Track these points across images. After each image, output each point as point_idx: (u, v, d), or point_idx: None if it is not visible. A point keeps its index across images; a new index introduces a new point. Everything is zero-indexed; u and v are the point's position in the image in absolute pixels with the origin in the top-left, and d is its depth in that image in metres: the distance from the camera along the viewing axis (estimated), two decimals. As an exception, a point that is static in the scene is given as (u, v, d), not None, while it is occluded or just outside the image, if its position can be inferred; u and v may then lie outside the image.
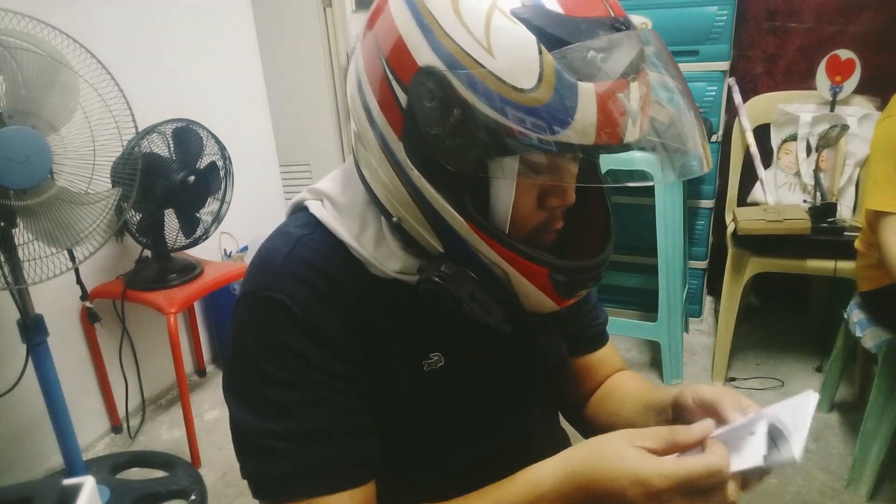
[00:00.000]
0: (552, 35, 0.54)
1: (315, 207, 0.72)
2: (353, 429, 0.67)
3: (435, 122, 0.57)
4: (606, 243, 0.70)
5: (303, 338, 0.65)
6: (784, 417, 0.55)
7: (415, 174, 0.61)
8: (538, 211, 0.65)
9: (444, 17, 0.56)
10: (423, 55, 0.57)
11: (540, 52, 0.53)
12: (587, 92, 0.53)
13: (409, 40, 0.58)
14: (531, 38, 0.53)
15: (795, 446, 0.53)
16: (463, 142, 0.57)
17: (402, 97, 0.59)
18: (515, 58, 0.54)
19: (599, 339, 0.92)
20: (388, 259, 0.68)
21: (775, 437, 0.55)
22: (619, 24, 0.56)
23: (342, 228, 0.69)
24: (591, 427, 0.90)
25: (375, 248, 0.68)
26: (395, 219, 0.66)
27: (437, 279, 0.63)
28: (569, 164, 0.64)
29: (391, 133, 0.61)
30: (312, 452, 0.65)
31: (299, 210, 0.75)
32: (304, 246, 0.68)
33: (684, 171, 0.64)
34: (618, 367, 0.93)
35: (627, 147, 0.57)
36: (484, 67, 0.54)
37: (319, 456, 0.65)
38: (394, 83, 0.59)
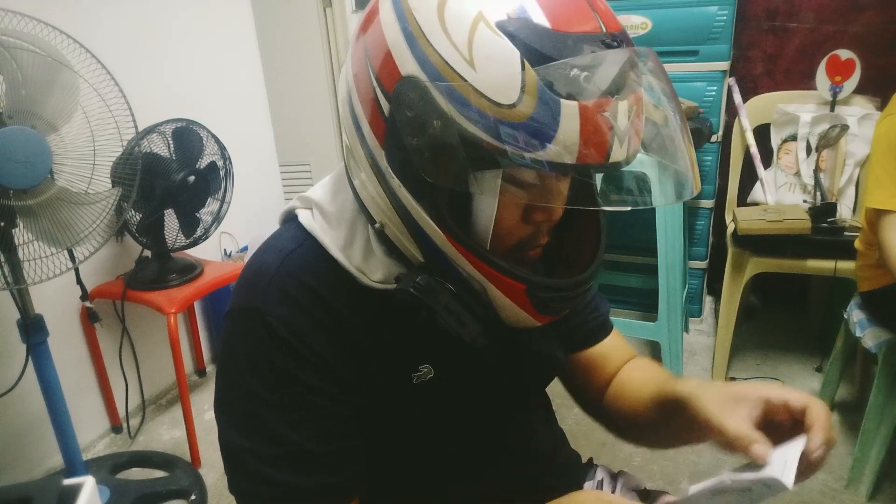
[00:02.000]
0: (537, 50, 0.52)
1: (305, 217, 0.71)
2: (339, 451, 0.67)
3: (415, 132, 0.56)
4: (594, 262, 0.69)
5: (289, 358, 0.64)
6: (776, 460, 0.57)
7: (395, 183, 0.60)
8: (523, 225, 0.64)
9: (428, 26, 0.55)
10: (407, 64, 0.56)
11: (523, 68, 0.52)
12: (570, 110, 0.52)
13: (394, 48, 0.57)
14: (514, 53, 0.52)
15: (787, 478, 0.54)
16: (442, 154, 0.56)
17: (385, 105, 0.58)
18: (497, 72, 0.52)
19: (601, 330, 0.91)
20: (376, 270, 0.67)
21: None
22: (611, 41, 0.55)
23: (330, 240, 0.68)
24: (613, 419, 0.89)
25: (363, 260, 0.67)
26: (377, 225, 0.66)
27: (411, 290, 0.63)
28: (554, 181, 0.62)
29: (374, 141, 0.61)
30: (297, 477, 0.65)
31: (291, 219, 0.74)
32: (292, 261, 0.67)
33: (672, 195, 0.63)
34: (627, 355, 0.92)
35: (615, 166, 0.56)
36: (465, 80, 0.53)
37: (304, 481, 0.65)
38: (378, 91, 0.59)
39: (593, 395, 0.91)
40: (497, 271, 0.61)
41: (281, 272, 0.67)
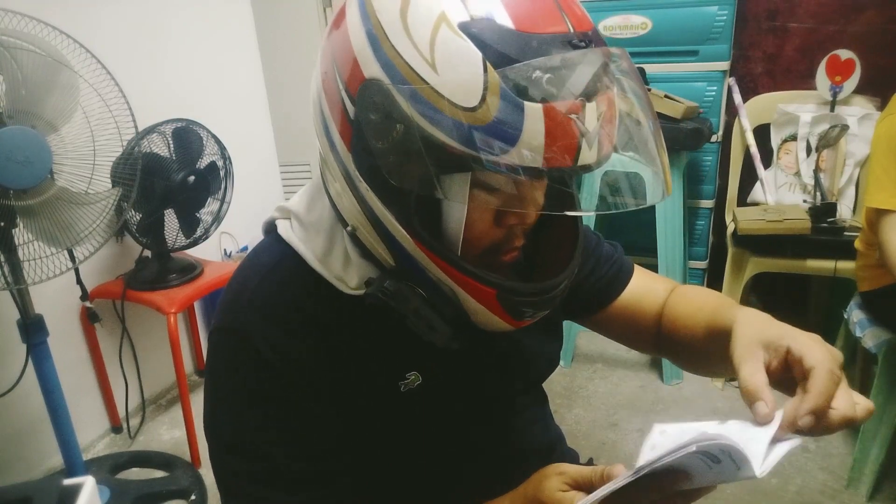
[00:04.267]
0: (499, 52, 0.51)
1: (283, 229, 0.70)
2: (326, 467, 0.67)
3: (379, 136, 0.56)
4: (570, 266, 0.67)
5: (273, 377, 0.64)
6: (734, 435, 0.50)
7: (363, 186, 0.60)
8: (495, 229, 0.63)
9: (391, 28, 0.54)
10: (369, 66, 0.55)
11: (485, 70, 0.51)
12: (534, 112, 0.51)
13: (357, 50, 0.56)
14: (476, 55, 0.51)
15: (756, 462, 0.49)
16: (406, 158, 0.55)
17: (351, 108, 0.58)
18: (459, 74, 0.51)
19: (619, 278, 0.88)
20: (354, 277, 0.66)
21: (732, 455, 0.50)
22: (579, 41, 0.53)
23: (308, 251, 0.67)
24: (675, 353, 0.85)
25: (343, 269, 0.66)
26: (349, 228, 0.65)
27: (379, 294, 0.62)
28: (525, 184, 0.60)
29: (342, 144, 0.60)
30: (285, 494, 0.65)
31: (272, 230, 0.73)
32: (272, 277, 0.67)
33: (643, 198, 0.62)
34: (665, 288, 0.88)
35: (584, 169, 0.55)
36: (427, 83, 0.52)
37: (292, 498, 0.65)
38: (343, 93, 0.58)
39: (644, 337, 0.88)
40: (466, 276, 0.60)
41: (261, 290, 0.66)
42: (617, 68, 0.57)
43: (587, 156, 0.54)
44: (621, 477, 0.53)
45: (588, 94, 0.53)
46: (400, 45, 0.54)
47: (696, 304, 0.80)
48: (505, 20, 0.52)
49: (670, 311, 0.84)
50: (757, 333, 0.58)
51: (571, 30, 0.54)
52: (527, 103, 0.51)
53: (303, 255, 0.67)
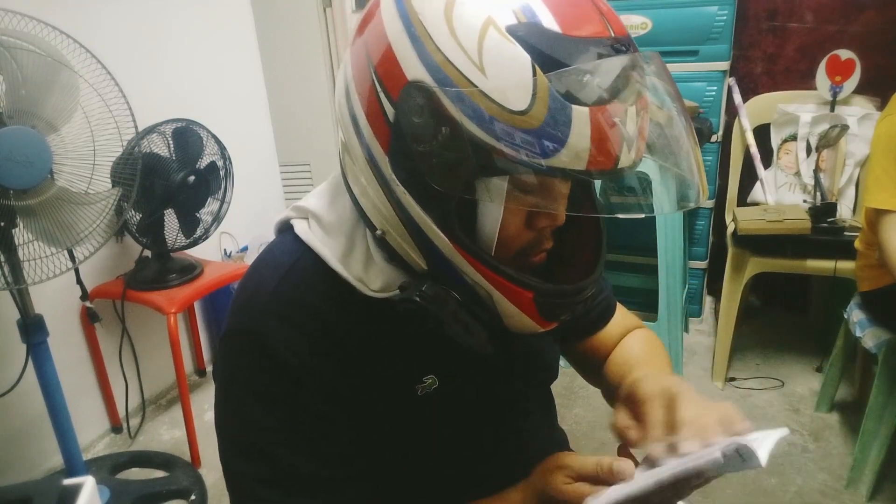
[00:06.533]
0: (548, 56, 0.51)
1: (301, 229, 0.69)
2: (340, 473, 0.67)
3: (422, 139, 0.55)
4: (597, 263, 0.68)
5: (289, 381, 0.63)
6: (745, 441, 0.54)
7: (399, 190, 0.59)
8: (526, 231, 0.63)
9: (435, 29, 0.54)
10: (413, 68, 0.55)
11: (534, 74, 0.51)
12: (581, 116, 0.51)
13: (398, 51, 0.56)
14: (526, 59, 0.51)
15: (761, 453, 0.52)
16: (450, 161, 0.55)
17: (390, 111, 0.57)
18: (509, 78, 0.52)
19: (606, 314, 0.91)
20: (376, 279, 0.66)
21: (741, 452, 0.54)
22: (619, 45, 0.54)
23: (329, 252, 0.66)
24: (610, 393, 0.89)
25: (364, 270, 0.66)
26: (379, 232, 0.64)
27: (417, 299, 0.61)
28: (559, 185, 0.62)
29: (377, 146, 0.59)
30: (297, 499, 0.65)
31: (286, 229, 0.72)
32: (290, 279, 0.66)
33: (681, 200, 0.62)
34: (626, 328, 0.92)
35: (623, 171, 0.55)
36: (475, 86, 0.52)
37: (303, 502, 0.65)
38: (381, 95, 0.57)
39: (594, 372, 0.91)
40: (505, 279, 0.60)
41: (278, 293, 0.66)
42: (651, 71, 0.57)
43: (626, 158, 0.55)
44: (641, 480, 0.54)
45: (629, 98, 0.54)
46: (445, 47, 0.53)
47: (629, 355, 0.88)
48: (551, 24, 0.53)
49: (612, 356, 0.90)
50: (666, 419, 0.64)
51: (612, 33, 0.55)
52: (574, 107, 0.51)
53: (322, 255, 0.66)
